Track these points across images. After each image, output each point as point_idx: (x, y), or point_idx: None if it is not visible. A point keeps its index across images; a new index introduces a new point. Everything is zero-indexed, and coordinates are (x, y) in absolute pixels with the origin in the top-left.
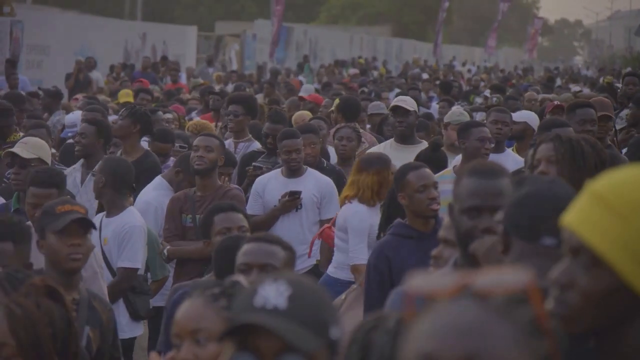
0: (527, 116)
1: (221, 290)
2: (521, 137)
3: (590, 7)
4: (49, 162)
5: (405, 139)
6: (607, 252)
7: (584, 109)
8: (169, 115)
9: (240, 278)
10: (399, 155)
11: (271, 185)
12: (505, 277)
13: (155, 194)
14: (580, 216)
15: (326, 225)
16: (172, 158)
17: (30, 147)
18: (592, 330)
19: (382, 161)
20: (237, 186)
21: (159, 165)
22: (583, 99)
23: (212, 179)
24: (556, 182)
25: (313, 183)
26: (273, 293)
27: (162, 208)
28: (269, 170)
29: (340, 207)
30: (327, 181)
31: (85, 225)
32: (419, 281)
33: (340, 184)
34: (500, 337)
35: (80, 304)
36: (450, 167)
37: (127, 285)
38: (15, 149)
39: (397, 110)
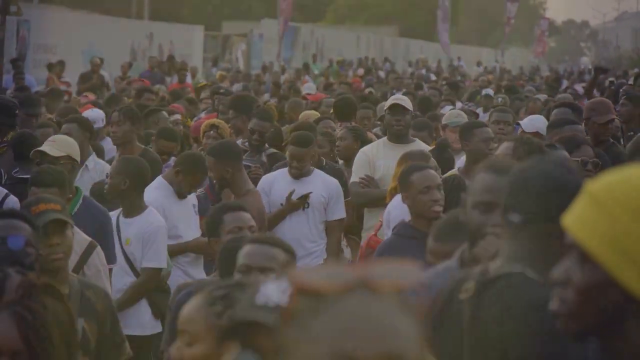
0: (539, 126)
1: (223, 294)
2: None
3: (598, 7)
4: (78, 159)
5: (399, 138)
6: (595, 248)
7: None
8: (177, 116)
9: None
10: (392, 153)
11: (278, 184)
12: (397, 272)
13: (156, 194)
14: (575, 215)
15: (370, 234)
16: (173, 158)
17: (58, 145)
18: (592, 329)
19: (419, 156)
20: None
21: (159, 163)
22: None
23: (234, 186)
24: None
25: (320, 184)
26: (275, 291)
27: (162, 208)
28: (257, 168)
29: (388, 197)
30: (334, 182)
31: (62, 222)
32: (305, 275)
33: (340, 182)
34: (411, 335)
35: (71, 298)
36: (454, 169)
37: (152, 285)
38: (44, 147)
39: (395, 108)
